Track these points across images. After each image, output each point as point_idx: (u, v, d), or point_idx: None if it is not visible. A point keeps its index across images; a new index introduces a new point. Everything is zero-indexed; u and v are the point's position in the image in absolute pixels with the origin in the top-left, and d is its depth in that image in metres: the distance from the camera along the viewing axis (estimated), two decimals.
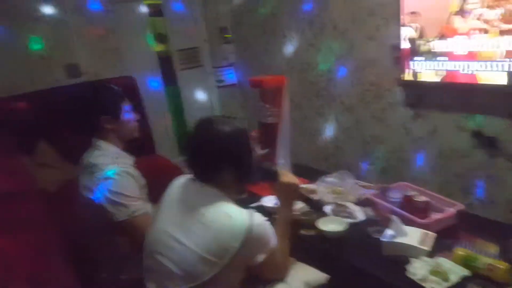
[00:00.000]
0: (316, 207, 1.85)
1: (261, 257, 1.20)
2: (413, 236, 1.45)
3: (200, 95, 3.95)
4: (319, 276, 1.42)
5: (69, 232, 1.56)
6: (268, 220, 1.25)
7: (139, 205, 1.55)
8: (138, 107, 1.87)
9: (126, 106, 1.71)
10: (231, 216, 1.15)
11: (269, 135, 2.08)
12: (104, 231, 1.58)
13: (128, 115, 1.71)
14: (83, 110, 1.66)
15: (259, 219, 1.19)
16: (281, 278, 1.35)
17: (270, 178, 1.44)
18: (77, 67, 3.16)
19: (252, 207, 1.91)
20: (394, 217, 1.50)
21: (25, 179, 1.33)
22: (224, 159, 1.22)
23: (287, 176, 1.43)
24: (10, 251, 0.69)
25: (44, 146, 2.70)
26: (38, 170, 2.49)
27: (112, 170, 1.54)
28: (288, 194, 1.44)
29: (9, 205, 0.91)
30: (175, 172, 2.56)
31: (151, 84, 3.63)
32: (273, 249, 1.24)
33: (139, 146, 1.80)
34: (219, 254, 1.12)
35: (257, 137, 2.13)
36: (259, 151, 2.07)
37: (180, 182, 1.34)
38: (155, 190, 1.63)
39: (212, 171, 1.24)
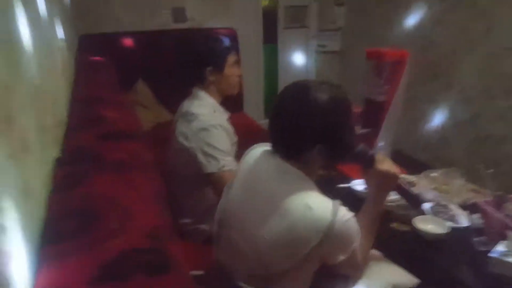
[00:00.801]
0: (413, 202, 1.70)
1: (340, 258, 1.03)
2: None
3: (298, 58, 3.83)
4: (407, 278, 1.25)
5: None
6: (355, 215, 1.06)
7: (229, 161, 1.55)
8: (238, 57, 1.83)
9: (232, 59, 1.69)
10: (311, 208, 0.96)
11: (374, 114, 1.93)
12: (191, 180, 1.60)
13: (232, 69, 1.70)
14: (190, 58, 1.68)
15: (344, 215, 0.99)
16: (357, 277, 1.18)
17: (365, 162, 1.21)
18: (183, 12, 3.18)
19: (340, 188, 1.84)
20: (510, 234, 1.31)
21: (133, 118, 1.35)
22: (316, 134, 1.00)
23: (386, 164, 1.18)
24: (124, 196, 0.67)
25: (142, 86, 2.81)
26: (134, 108, 2.60)
27: (209, 122, 1.55)
28: (384, 184, 1.19)
29: (120, 144, 0.90)
30: (259, 134, 2.55)
31: (251, 39, 3.57)
32: (355, 249, 1.05)
33: (228, 102, 1.77)
34: (292, 249, 0.99)
35: (359, 114, 1.99)
36: (358, 130, 1.95)
37: (256, 154, 1.15)
38: (239, 150, 1.64)
39: (299, 147, 1.04)
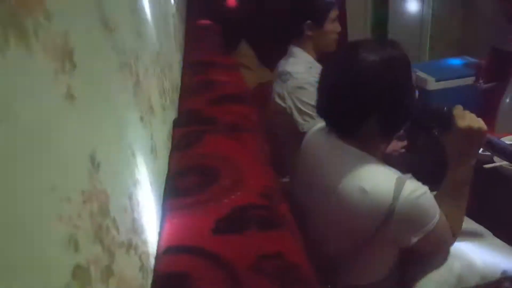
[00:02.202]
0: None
1: (413, 240, 0.90)
2: None
3: (411, 4, 3.47)
4: None
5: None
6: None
7: (319, 127, 1.53)
8: (340, 12, 1.73)
9: (333, 14, 1.61)
10: (366, 191, 0.85)
11: (502, 66, 1.70)
12: (290, 140, 1.62)
13: (332, 25, 1.61)
14: (290, 12, 1.65)
15: (410, 194, 0.86)
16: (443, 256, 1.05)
17: (441, 123, 1.02)
18: None
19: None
20: None
21: (241, 81, 1.40)
22: (369, 101, 0.89)
23: (468, 118, 0.97)
24: (238, 157, 0.72)
25: (245, 47, 2.86)
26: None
27: (305, 79, 1.51)
28: (469, 144, 0.99)
29: (232, 107, 0.95)
30: None
31: None
32: (434, 228, 0.91)
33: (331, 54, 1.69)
34: (353, 234, 0.91)
35: (484, 66, 1.78)
36: (483, 84, 1.75)
37: (314, 135, 1.07)
38: None
39: (351, 120, 0.92)
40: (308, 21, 1.57)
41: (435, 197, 1.00)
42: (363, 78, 0.87)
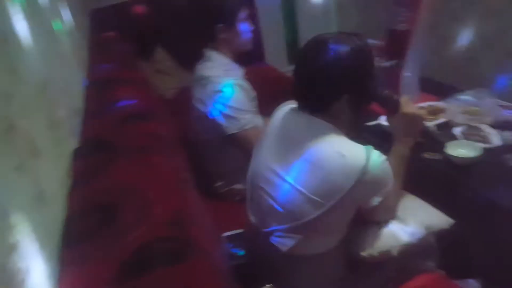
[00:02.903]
0: (444, 129, 1.64)
1: (376, 201, 1.06)
2: None
3: None
4: (441, 219, 1.24)
5: (185, 141, 1.63)
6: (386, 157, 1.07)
7: (250, 118, 1.53)
8: (251, 10, 1.74)
9: (243, 14, 1.62)
10: (344, 155, 1.00)
11: (398, 44, 1.82)
12: (217, 144, 1.62)
13: (244, 25, 1.63)
14: (200, 17, 1.63)
15: (377, 159, 1.02)
16: (388, 220, 1.20)
17: (390, 107, 1.23)
18: None
19: (368, 126, 1.79)
20: None
21: (150, 94, 1.35)
22: (339, 86, 1.04)
23: (411, 107, 1.20)
24: (143, 184, 0.68)
25: (161, 53, 2.77)
26: (156, 77, 2.60)
27: (223, 82, 1.52)
28: (410, 128, 1.22)
29: (138, 127, 0.91)
30: (284, 83, 2.49)
31: None
32: (390, 191, 1.08)
33: (248, 54, 1.71)
34: (327, 196, 1.02)
35: (383, 47, 1.89)
36: (384, 63, 1.86)
37: (283, 112, 1.19)
38: (263, 102, 1.61)
39: (323, 100, 1.07)
40: (220, 25, 1.58)
41: None
42: (337, 65, 1.01)
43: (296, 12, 3.65)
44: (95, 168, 0.75)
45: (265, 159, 1.16)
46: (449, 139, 1.54)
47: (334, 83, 1.04)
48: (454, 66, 2.71)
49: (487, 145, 1.49)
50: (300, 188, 1.04)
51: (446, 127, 1.67)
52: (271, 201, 1.12)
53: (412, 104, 1.22)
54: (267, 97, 1.57)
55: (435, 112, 1.79)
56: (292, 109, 1.16)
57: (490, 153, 1.45)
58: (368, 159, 0.99)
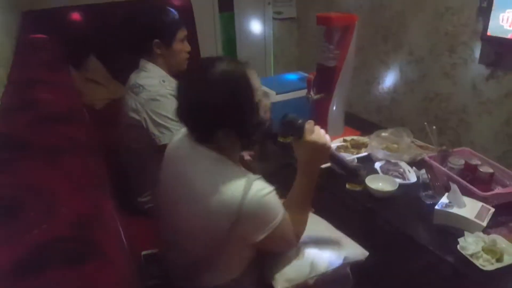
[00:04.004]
0: (366, 162, 1.76)
1: (260, 237, 0.98)
2: (470, 208, 1.34)
3: (254, 26, 3.75)
4: (357, 251, 1.27)
5: (111, 153, 1.57)
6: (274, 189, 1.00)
7: (183, 131, 1.53)
8: (191, 32, 1.77)
9: (181, 34, 1.64)
10: (220, 191, 0.93)
11: (326, 79, 1.93)
12: (145, 155, 1.58)
13: (181, 45, 1.65)
14: (137, 30, 1.62)
15: (257, 192, 0.94)
16: (287, 251, 1.15)
17: (294, 133, 1.12)
18: None
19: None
20: (453, 185, 1.39)
21: (74, 99, 1.29)
22: (215, 116, 0.96)
23: (316, 134, 1.09)
24: (51, 184, 0.65)
25: (94, 62, 2.69)
26: (87, 86, 2.50)
27: (158, 92, 1.51)
28: (314, 155, 1.10)
29: (54, 128, 0.86)
30: None
31: (207, 8, 3.46)
32: (277, 226, 0.99)
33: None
34: (211, 234, 0.97)
35: (313, 80, 1.99)
36: (313, 95, 1.96)
37: (178, 137, 1.13)
38: None
39: (203, 130, 1.01)
40: (156, 40, 1.58)
41: (285, 200, 1.11)
42: (207, 97, 0.94)
43: (236, 39, 3.77)
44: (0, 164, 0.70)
45: (163, 189, 1.10)
46: (370, 172, 1.65)
47: (207, 114, 0.96)
48: (378, 105, 2.94)
49: (404, 181, 1.62)
50: (187, 224, 0.98)
51: (367, 161, 1.79)
52: (169, 231, 1.08)
53: (319, 130, 1.10)
54: None
55: (358, 146, 1.91)
56: (184, 138, 1.10)
57: (406, 189, 1.57)
58: (245, 194, 0.92)
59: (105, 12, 2.81)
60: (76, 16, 2.75)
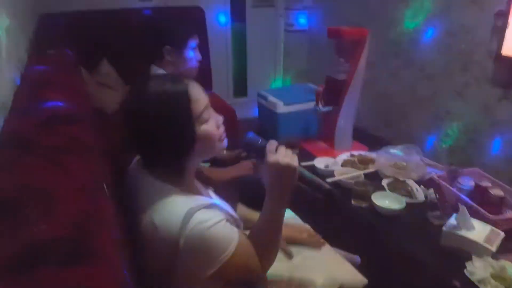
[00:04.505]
0: (372, 179, 1.73)
1: (208, 272, 0.86)
2: (479, 231, 1.31)
3: (266, 37, 3.78)
4: (356, 278, 1.21)
5: (118, 156, 1.57)
6: (225, 218, 0.89)
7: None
8: (203, 41, 1.79)
9: (193, 43, 1.65)
10: (156, 226, 0.84)
11: (335, 92, 1.92)
12: None
13: (192, 53, 1.67)
14: (150, 35, 1.64)
15: (199, 223, 0.83)
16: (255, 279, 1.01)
17: (258, 156, 1.01)
18: None
19: (304, 167, 1.82)
20: (461, 207, 1.35)
21: (84, 101, 1.30)
22: (142, 134, 0.91)
23: (278, 154, 0.96)
24: (55, 185, 0.64)
25: (106, 66, 2.72)
26: (98, 89, 2.52)
27: None
28: (277, 179, 0.97)
29: (61, 129, 0.86)
30: (228, 114, 2.53)
31: (219, 18, 3.50)
32: (230, 258, 0.87)
33: (196, 81, 1.72)
34: (159, 271, 0.88)
35: (321, 92, 1.99)
36: (321, 107, 1.95)
37: (133, 163, 1.05)
38: None
39: (142, 154, 0.96)
40: (167, 46, 1.60)
41: (253, 226, 1.01)
42: (141, 118, 0.89)
43: (246, 51, 3.80)
44: (2, 163, 0.70)
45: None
46: (376, 189, 1.63)
47: (134, 131, 0.91)
48: (387, 121, 2.91)
49: (411, 200, 1.59)
50: (140, 260, 0.88)
51: (374, 177, 1.76)
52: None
53: (283, 150, 0.97)
54: None
55: (365, 161, 1.89)
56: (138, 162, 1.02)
57: (414, 208, 1.54)
58: (183, 228, 0.82)
59: (120, 17, 2.86)
60: (92, 20, 2.80)
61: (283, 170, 0.95)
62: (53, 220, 0.55)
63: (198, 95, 0.95)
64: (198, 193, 1.00)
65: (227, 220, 0.89)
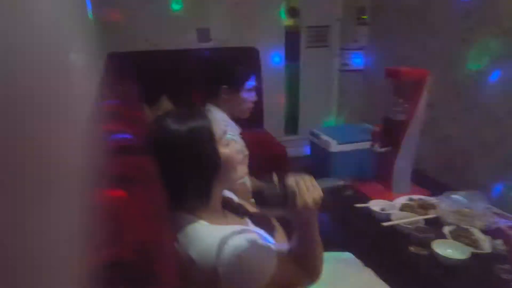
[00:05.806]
0: (433, 225, 1.64)
1: None
2: None
3: (320, 77, 3.82)
4: None
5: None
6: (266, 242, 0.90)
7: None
8: (257, 80, 1.84)
9: (250, 85, 1.71)
10: (194, 260, 0.86)
11: (393, 133, 1.87)
12: None
13: (248, 94, 1.71)
14: (209, 73, 1.71)
15: (233, 250, 0.84)
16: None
17: (280, 202, 0.96)
18: (207, 32, 3.25)
19: (357, 208, 1.77)
20: None
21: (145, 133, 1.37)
22: (176, 171, 0.94)
23: (304, 194, 0.93)
24: (123, 211, 0.67)
25: (165, 101, 2.86)
26: None
27: None
28: (304, 219, 0.97)
29: (125, 158, 0.91)
30: (278, 150, 2.54)
31: (273, 58, 3.60)
32: (270, 276, 0.87)
33: (248, 118, 1.79)
34: None
35: (378, 133, 1.94)
36: (378, 148, 1.90)
37: None
38: (254, 163, 1.63)
39: (171, 186, 0.95)
40: (225, 86, 1.66)
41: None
42: (166, 149, 0.93)
43: (299, 90, 3.84)
44: None
45: None
46: (437, 237, 1.53)
47: (168, 169, 0.93)
48: (449, 166, 2.76)
49: (476, 250, 1.47)
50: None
51: (435, 223, 1.66)
52: None
53: (303, 185, 0.94)
54: (259, 159, 1.58)
55: (425, 206, 1.79)
56: None
57: (479, 259, 1.43)
58: (219, 257, 0.83)
59: (180, 57, 3.04)
60: (155, 59, 3.00)
61: (307, 211, 0.93)
62: (118, 245, 0.57)
63: (216, 121, 1.01)
64: (227, 222, 1.01)
65: (261, 239, 0.90)
